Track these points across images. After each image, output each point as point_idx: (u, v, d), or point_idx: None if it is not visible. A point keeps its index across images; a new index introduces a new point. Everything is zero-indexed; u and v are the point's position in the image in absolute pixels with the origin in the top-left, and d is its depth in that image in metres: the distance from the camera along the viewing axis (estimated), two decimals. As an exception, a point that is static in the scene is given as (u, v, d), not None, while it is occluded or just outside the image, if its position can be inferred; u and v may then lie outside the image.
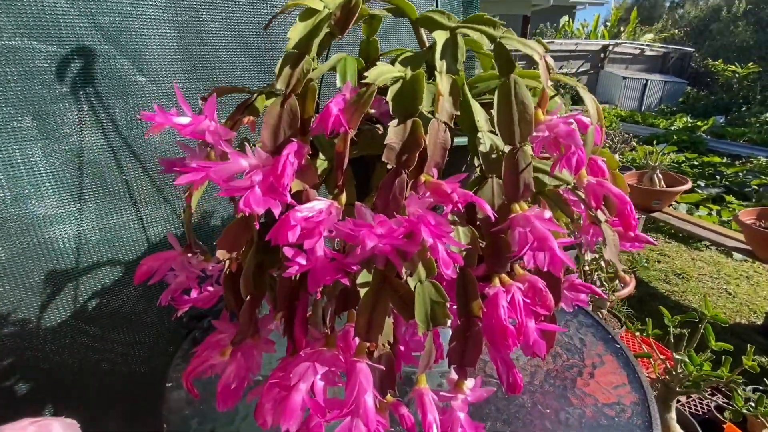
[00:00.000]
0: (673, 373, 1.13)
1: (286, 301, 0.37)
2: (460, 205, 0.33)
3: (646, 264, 1.77)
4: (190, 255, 0.41)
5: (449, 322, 0.33)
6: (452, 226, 0.32)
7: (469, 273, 0.36)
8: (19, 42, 0.53)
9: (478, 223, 0.38)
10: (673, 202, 2.94)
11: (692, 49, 9.75)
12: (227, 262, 0.40)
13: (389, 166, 0.33)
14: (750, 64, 7.60)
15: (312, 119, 0.36)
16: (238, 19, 0.68)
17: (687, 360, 1.05)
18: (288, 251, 0.30)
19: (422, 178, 0.34)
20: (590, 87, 8.48)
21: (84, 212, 0.63)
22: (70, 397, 0.69)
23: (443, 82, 0.35)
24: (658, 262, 2.73)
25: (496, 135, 0.39)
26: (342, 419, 0.30)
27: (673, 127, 5.85)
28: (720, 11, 11.26)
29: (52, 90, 0.56)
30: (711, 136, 5.63)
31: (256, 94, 0.39)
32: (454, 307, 0.36)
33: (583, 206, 0.42)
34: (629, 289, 1.81)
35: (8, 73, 0.53)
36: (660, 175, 2.73)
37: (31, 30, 0.54)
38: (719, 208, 3.27)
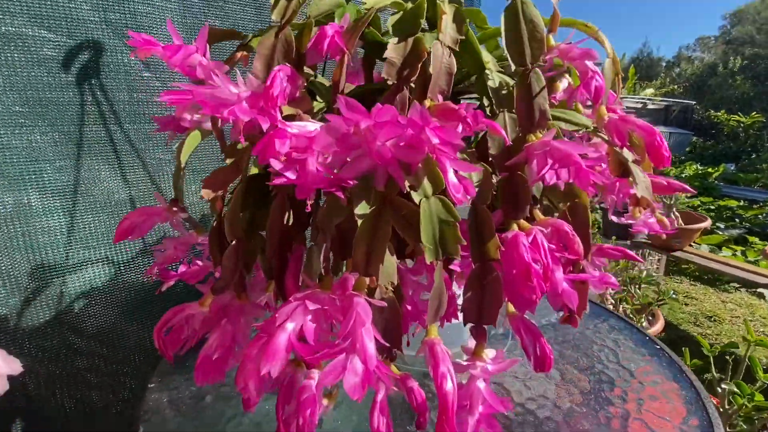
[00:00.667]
0: (720, 409, 1.00)
1: (278, 250, 0.32)
2: (470, 123, 0.29)
3: (674, 296, 1.66)
4: (176, 209, 0.38)
5: (459, 255, 0.28)
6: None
7: (483, 210, 0.31)
8: (30, 30, 0.54)
9: (490, 159, 0.34)
10: (694, 243, 2.83)
11: (693, 102, 9.99)
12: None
13: (389, 83, 0.30)
14: (753, 113, 7.71)
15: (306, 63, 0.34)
16: (245, 24, 0.70)
17: (736, 390, 0.94)
18: (275, 164, 0.27)
19: (426, 102, 0.31)
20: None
21: (77, 205, 0.60)
22: (46, 413, 0.62)
23: (446, 5, 0.33)
24: (686, 305, 2.57)
25: (504, 74, 0.37)
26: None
27: (683, 175, 5.83)
28: (716, 67, 11.69)
29: (57, 78, 0.57)
30: (723, 182, 5.58)
31: (251, 36, 0.37)
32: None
33: (605, 152, 0.38)
34: (659, 325, 1.69)
35: (16, 59, 0.54)
36: (677, 213, 2.66)
37: (43, 20, 0.55)
38: (743, 248, 3.15)
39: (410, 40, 0.31)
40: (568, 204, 0.36)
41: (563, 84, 0.43)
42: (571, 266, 0.34)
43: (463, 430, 0.31)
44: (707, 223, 2.63)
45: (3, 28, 0.53)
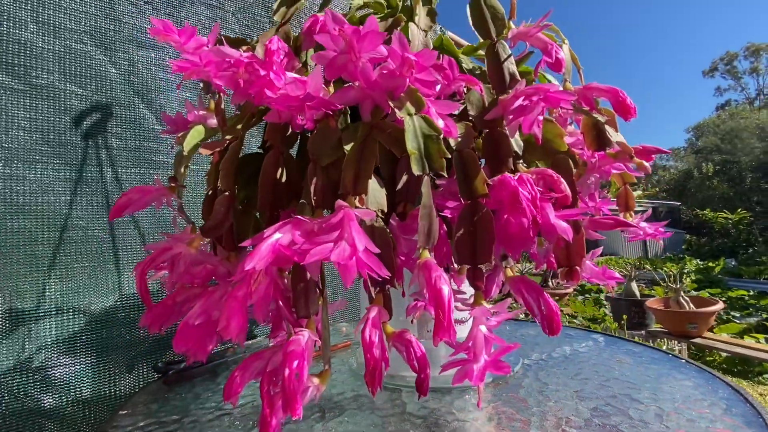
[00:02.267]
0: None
1: (270, 202, 0.33)
2: (448, 72, 0.33)
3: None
4: (174, 186, 0.39)
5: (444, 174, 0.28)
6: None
7: (467, 151, 0.33)
8: (62, 84, 0.62)
9: (471, 119, 0.36)
10: (712, 333, 2.70)
11: (678, 203, 10.45)
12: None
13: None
14: (739, 210, 8.02)
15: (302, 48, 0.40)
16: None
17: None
18: (270, 94, 0.29)
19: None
20: (590, 242, 8.82)
21: (74, 237, 0.61)
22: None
23: (420, 5, 0.39)
24: (721, 398, 2.34)
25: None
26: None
27: (685, 270, 5.81)
28: (692, 173, 12.51)
29: (78, 125, 0.62)
30: (726, 275, 5.54)
31: (257, 38, 0.43)
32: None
33: (580, 129, 0.41)
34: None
35: (44, 107, 0.60)
36: (686, 298, 2.59)
37: (74, 77, 0.63)
38: (766, 336, 2.98)
39: (390, 20, 0.36)
40: (551, 161, 0.37)
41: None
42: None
43: (468, 376, 0.28)
44: (720, 306, 2.54)
45: (38, 81, 0.60)
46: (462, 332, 0.32)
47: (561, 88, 0.40)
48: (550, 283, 4.08)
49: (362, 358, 0.27)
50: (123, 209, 0.37)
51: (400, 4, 0.41)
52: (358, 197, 0.28)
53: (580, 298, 4.11)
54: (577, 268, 0.36)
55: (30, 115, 0.59)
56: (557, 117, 0.45)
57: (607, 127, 0.38)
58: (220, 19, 0.78)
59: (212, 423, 0.42)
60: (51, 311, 0.59)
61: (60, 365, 0.59)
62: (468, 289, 0.33)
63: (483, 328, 0.29)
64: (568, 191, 0.34)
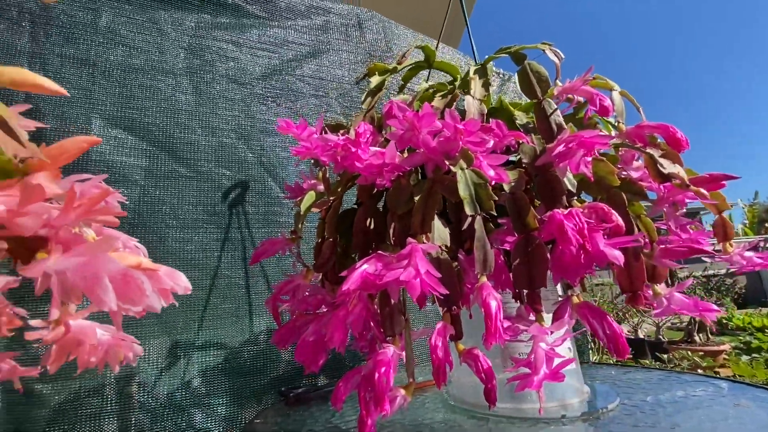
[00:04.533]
0: None
1: (362, 243, 0.43)
2: (498, 133, 0.40)
3: None
4: (294, 238, 0.51)
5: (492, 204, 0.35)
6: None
7: (519, 193, 0.39)
8: (216, 169, 0.83)
9: (524, 167, 0.42)
10: None
11: None
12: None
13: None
14: None
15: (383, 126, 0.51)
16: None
17: None
18: (359, 165, 0.40)
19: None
20: (753, 282, 7.39)
21: (224, 288, 0.78)
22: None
23: (476, 78, 0.48)
24: None
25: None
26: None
27: None
28: None
29: (226, 197, 0.82)
30: None
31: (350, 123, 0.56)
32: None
33: (645, 165, 0.44)
34: None
35: (205, 187, 0.81)
36: None
37: (224, 162, 0.84)
38: None
39: (449, 97, 0.45)
40: (605, 195, 0.41)
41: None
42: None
43: (528, 385, 0.32)
44: None
45: (200, 168, 0.82)
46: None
47: (611, 131, 0.45)
48: (696, 339, 3.49)
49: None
50: (260, 256, 0.51)
51: (459, 78, 0.50)
52: (424, 235, 0.36)
53: (745, 357, 3.37)
54: (640, 293, 0.38)
55: (196, 193, 0.81)
56: (623, 154, 0.48)
57: (662, 159, 0.41)
58: (325, 105, 0.97)
59: (323, 434, 0.51)
60: (200, 344, 0.76)
61: (204, 388, 0.74)
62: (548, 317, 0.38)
63: (543, 345, 0.34)
64: (620, 221, 0.37)
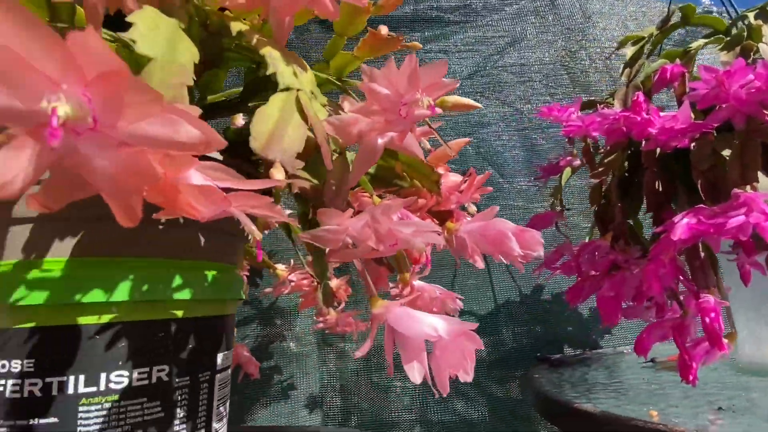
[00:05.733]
0: None
1: (654, 203, 0.46)
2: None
3: None
4: (560, 211, 0.57)
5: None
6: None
7: None
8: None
9: None
10: None
11: None
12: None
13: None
14: None
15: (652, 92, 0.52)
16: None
17: None
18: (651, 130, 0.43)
19: None
20: None
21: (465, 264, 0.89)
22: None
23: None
24: None
25: None
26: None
27: None
28: None
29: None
30: None
31: (607, 96, 0.59)
32: None
33: None
34: None
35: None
36: None
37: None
38: None
39: (737, 48, 0.45)
40: None
41: None
42: None
43: None
44: None
45: (432, 165, 0.95)
46: None
47: None
48: None
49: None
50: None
51: (735, 30, 0.48)
52: (749, 186, 0.37)
53: None
54: None
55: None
56: None
57: None
58: (531, 89, 1.00)
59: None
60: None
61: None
62: None
63: None
64: None
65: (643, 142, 0.46)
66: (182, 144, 0.15)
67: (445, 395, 0.24)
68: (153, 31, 0.17)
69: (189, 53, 0.18)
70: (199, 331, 0.35)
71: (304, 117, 0.20)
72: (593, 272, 0.51)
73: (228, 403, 0.39)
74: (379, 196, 0.32)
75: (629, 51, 0.56)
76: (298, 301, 0.85)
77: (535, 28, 1.05)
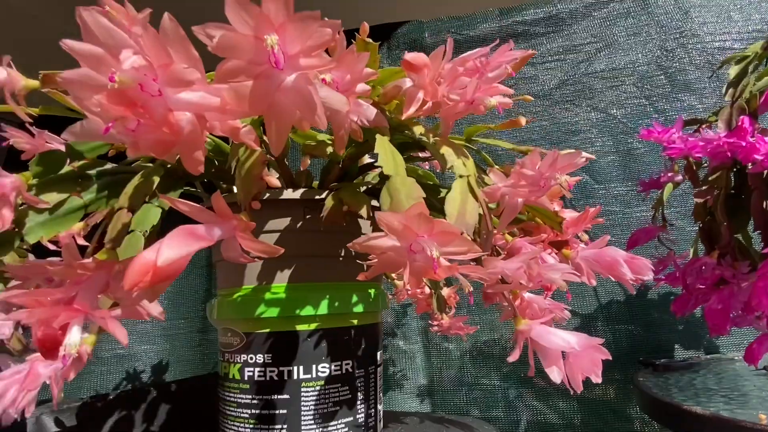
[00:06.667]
0: None
1: (763, 223, 0.48)
2: None
3: None
4: (663, 226, 0.60)
5: None
6: None
7: None
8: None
9: None
10: None
11: None
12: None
13: None
14: None
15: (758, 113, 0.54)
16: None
17: None
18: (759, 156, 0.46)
19: None
20: None
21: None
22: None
23: None
24: None
25: None
26: None
27: None
28: None
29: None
30: None
31: (710, 116, 0.61)
32: None
33: None
34: None
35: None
36: None
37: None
38: None
39: None
40: None
41: None
42: None
43: None
44: None
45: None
46: None
47: None
48: None
49: None
50: (635, 244, 0.62)
51: None
52: None
53: None
54: None
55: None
56: None
57: None
58: (624, 94, 1.01)
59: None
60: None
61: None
62: None
63: None
64: None
65: (749, 165, 0.49)
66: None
67: (579, 392, 0.32)
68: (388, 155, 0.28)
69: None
70: (367, 335, 0.46)
71: (474, 196, 0.30)
72: (700, 285, 0.55)
73: (381, 390, 0.50)
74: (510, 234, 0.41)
75: (733, 70, 0.58)
76: (405, 303, 0.96)
77: (625, 31, 1.05)
